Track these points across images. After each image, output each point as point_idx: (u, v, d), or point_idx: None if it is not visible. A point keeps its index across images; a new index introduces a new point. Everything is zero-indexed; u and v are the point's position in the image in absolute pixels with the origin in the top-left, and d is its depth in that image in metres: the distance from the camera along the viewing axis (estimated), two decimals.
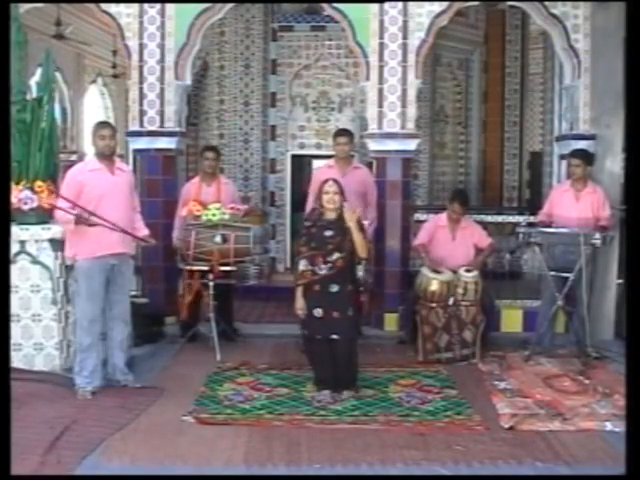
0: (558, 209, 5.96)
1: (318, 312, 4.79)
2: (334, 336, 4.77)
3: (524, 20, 9.49)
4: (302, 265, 4.81)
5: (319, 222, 4.88)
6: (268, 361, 5.68)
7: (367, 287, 5.36)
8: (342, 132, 6.31)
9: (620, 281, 6.38)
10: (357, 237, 4.78)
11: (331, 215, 4.88)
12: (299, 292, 4.82)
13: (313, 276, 4.78)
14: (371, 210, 6.24)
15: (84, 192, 4.79)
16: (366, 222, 5.73)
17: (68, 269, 5.18)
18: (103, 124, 5.16)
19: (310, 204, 5.85)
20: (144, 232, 5.17)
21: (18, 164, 5.26)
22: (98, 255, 4.81)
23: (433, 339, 5.72)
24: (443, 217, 6.15)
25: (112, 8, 6.65)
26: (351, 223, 4.78)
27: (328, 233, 4.82)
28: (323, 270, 4.78)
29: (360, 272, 4.92)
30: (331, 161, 6.28)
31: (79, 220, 4.72)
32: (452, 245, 6.06)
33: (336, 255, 4.78)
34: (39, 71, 5.71)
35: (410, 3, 6.51)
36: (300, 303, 4.81)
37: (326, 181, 4.93)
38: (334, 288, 4.80)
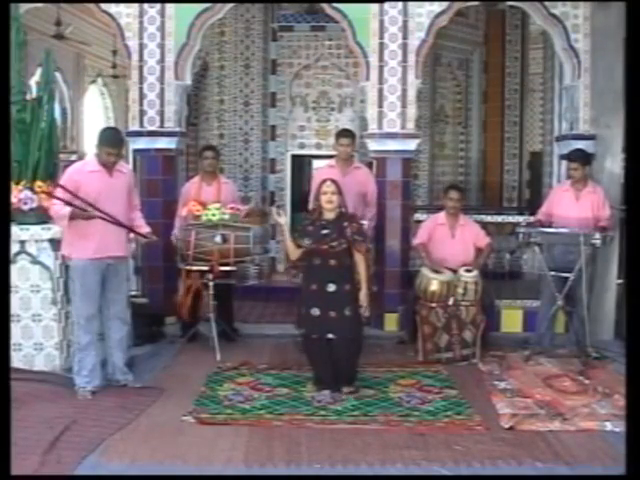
0: (558, 209, 5.95)
1: (315, 311, 4.83)
2: (330, 335, 4.80)
3: (524, 20, 9.49)
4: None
5: (318, 221, 4.91)
6: (268, 361, 5.68)
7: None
8: (345, 133, 6.28)
9: (620, 281, 6.38)
10: (363, 272, 4.94)
11: (330, 215, 4.92)
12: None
13: (313, 273, 4.87)
14: (371, 209, 6.24)
15: (80, 192, 4.75)
16: (365, 222, 5.77)
17: (68, 269, 5.18)
18: (112, 140, 4.83)
19: (312, 204, 5.87)
20: (145, 229, 5.16)
21: (18, 164, 5.26)
22: (93, 257, 4.80)
23: (433, 339, 5.72)
24: (442, 215, 6.16)
25: (112, 8, 6.65)
26: (360, 260, 4.92)
27: (324, 231, 4.86)
28: (321, 269, 4.84)
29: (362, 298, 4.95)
30: (332, 161, 6.28)
31: (74, 214, 4.69)
32: (452, 243, 6.06)
33: (335, 255, 4.83)
34: (39, 71, 5.71)
35: (410, 3, 6.51)
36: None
37: (324, 181, 4.95)
38: (331, 288, 4.84)
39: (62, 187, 4.75)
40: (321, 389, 4.87)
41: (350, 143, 6.16)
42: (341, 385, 4.87)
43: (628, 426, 3.36)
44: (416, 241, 6.21)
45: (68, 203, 4.69)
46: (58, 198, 4.74)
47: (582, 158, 5.93)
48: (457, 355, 5.71)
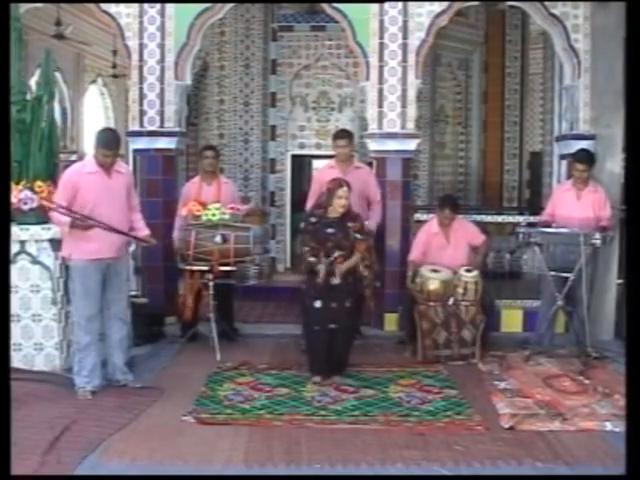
0: (560, 209, 5.95)
1: (318, 303, 5.01)
2: (332, 326, 5.01)
3: (524, 20, 9.50)
4: (309, 258, 5.04)
5: (323, 220, 5.05)
6: (268, 361, 5.68)
7: (369, 283, 5.60)
8: (341, 134, 6.23)
9: (620, 281, 6.38)
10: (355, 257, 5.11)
11: (335, 214, 5.06)
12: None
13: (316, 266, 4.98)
14: (376, 209, 6.21)
15: (79, 194, 4.75)
16: (371, 222, 5.81)
17: (68, 269, 5.18)
18: (108, 142, 4.81)
19: (311, 205, 5.90)
20: (145, 232, 5.15)
21: (18, 164, 5.26)
22: (93, 258, 4.80)
23: (432, 335, 5.69)
24: (434, 224, 6.05)
25: (112, 8, 6.65)
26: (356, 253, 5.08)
27: (330, 230, 5.02)
28: (324, 264, 4.97)
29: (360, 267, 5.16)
30: (332, 162, 6.27)
31: (74, 224, 4.71)
32: (447, 248, 6.02)
33: (337, 252, 4.99)
34: (39, 71, 5.71)
35: (410, 3, 6.51)
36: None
37: (340, 186, 5.06)
38: (334, 281, 5.00)
39: (60, 206, 4.73)
40: (313, 375, 5.09)
41: (348, 144, 6.13)
42: (333, 374, 5.09)
43: (628, 426, 3.36)
44: (411, 257, 6.13)
45: (68, 214, 4.70)
46: (57, 210, 4.75)
47: (590, 159, 5.92)
48: (455, 353, 5.71)
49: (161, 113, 6.66)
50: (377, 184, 6.32)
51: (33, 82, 5.91)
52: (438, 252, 6.01)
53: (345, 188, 5.03)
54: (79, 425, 4.24)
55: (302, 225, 5.24)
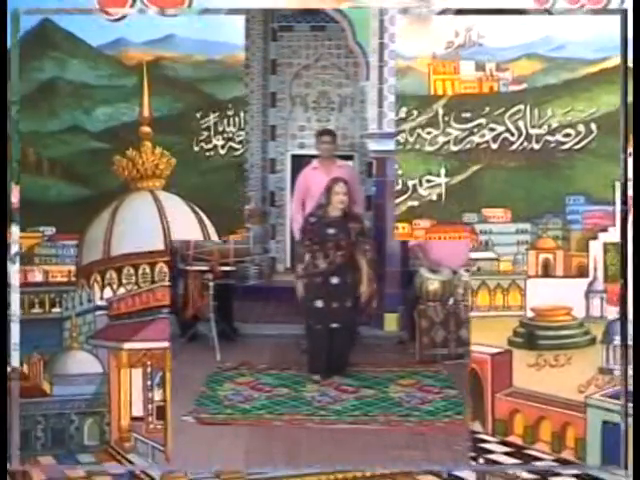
0: None
1: (318, 303, 5.05)
2: (334, 325, 5.05)
3: None
4: (306, 258, 5.06)
5: (323, 219, 5.09)
6: (268, 361, 5.68)
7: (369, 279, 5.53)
8: (325, 132, 6.37)
9: None
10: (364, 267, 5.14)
11: (336, 212, 5.10)
12: (300, 286, 5.11)
13: (314, 269, 5.01)
14: (359, 208, 6.25)
15: None
16: (366, 222, 5.81)
17: None
18: None
19: (297, 210, 5.95)
20: None
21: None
22: None
23: (430, 333, 5.71)
24: None
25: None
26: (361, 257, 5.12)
27: (331, 231, 5.05)
28: (323, 265, 4.99)
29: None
30: (315, 162, 6.30)
31: None
32: (452, 243, 6.03)
33: (337, 253, 5.02)
34: None
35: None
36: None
37: (337, 182, 5.12)
38: (334, 280, 5.06)
39: None
40: (313, 374, 5.12)
41: (332, 141, 6.21)
42: (333, 373, 5.11)
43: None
44: (412, 242, 6.18)
45: None
46: None
47: None
48: (452, 353, 5.71)
49: None
50: (360, 184, 6.36)
51: None
52: (441, 244, 6.00)
53: (342, 184, 5.08)
54: None
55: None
